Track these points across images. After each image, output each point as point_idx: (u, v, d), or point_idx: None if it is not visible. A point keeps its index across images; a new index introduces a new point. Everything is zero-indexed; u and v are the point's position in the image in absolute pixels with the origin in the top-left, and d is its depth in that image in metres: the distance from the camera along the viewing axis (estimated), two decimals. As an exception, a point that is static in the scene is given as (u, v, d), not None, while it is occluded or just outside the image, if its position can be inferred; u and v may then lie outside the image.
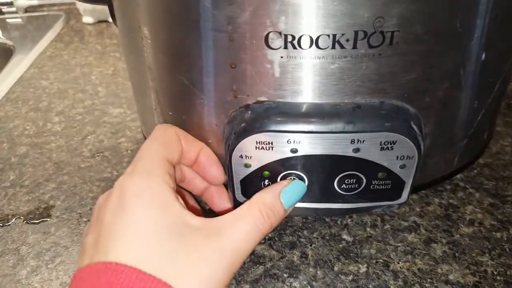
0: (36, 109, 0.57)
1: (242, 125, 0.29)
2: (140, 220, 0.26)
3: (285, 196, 0.30)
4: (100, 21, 0.84)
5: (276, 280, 0.34)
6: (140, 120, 0.43)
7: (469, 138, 0.35)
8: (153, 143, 0.31)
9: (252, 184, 0.32)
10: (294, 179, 0.32)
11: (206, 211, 0.39)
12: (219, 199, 0.36)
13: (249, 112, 0.30)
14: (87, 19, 0.84)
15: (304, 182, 0.32)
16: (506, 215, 0.38)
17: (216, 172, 0.34)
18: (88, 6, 0.82)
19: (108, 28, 0.81)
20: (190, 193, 0.37)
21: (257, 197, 0.29)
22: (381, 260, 0.35)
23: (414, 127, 0.29)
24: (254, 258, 0.36)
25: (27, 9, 0.92)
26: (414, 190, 0.38)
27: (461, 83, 0.30)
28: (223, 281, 0.26)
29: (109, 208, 0.27)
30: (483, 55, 0.30)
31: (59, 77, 0.65)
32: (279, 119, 0.29)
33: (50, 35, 0.79)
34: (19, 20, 0.87)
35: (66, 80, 0.64)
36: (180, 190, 0.36)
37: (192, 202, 0.37)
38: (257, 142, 0.29)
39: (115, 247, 0.25)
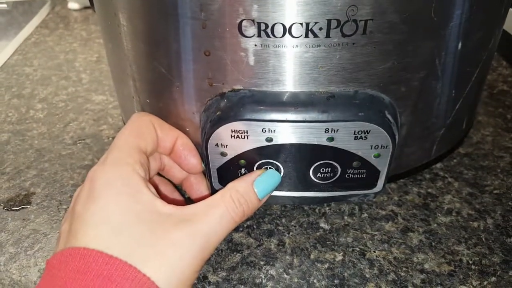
0: (19, 96, 0.57)
1: (217, 113, 0.29)
2: (109, 208, 0.26)
3: (259, 185, 0.30)
4: (86, 7, 0.82)
5: (253, 268, 0.34)
6: (121, 108, 0.43)
7: (447, 128, 0.35)
8: (126, 132, 0.31)
9: (229, 172, 0.32)
10: (269, 168, 0.32)
11: (187, 201, 0.39)
12: (198, 188, 0.36)
13: (225, 100, 0.30)
14: (73, 5, 0.83)
15: (280, 171, 0.32)
16: (484, 205, 0.39)
17: (193, 161, 0.34)
18: (74, -9, 0.81)
19: (93, 14, 0.80)
20: (174, 184, 0.37)
21: (231, 185, 0.30)
22: (357, 249, 0.35)
23: (389, 116, 0.29)
24: (231, 246, 0.36)
25: (13, -6, 0.91)
26: (391, 179, 0.39)
27: (437, 72, 0.30)
28: (193, 266, 0.26)
29: (81, 197, 0.28)
30: (460, 44, 0.30)
31: (43, 64, 0.64)
32: (254, 108, 0.29)
33: (35, 21, 0.78)
34: (5, 5, 0.86)
35: (50, 66, 0.63)
36: (154, 181, 0.35)
37: (174, 192, 0.37)
38: (232, 131, 0.29)
39: (85, 234, 0.25)
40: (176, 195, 0.37)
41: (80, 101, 0.55)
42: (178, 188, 0.38)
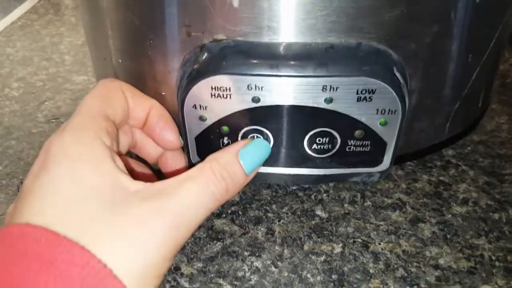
0: (-5, 75, 0.52)
1: (195, 67, 0.25)
2: (62, 178, 0.21)
3: (245, 157, 0.25)
4: (79, -5, 0.79)
5: (235, 259, 0.29)
6: (95, 77, 0.38)
7: (462, 102, 0.31)
8: (90, 97, 0.26)
9: (209, 141, 0.28)
10: (256, 137, 0.27)
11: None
12: (174, 164, 0.31)
13: (205, 53, 0.25)
14: (66, -8, 0.79)
15: (269, 141, 0.27)
16: (505, 195, 0.34)
17: (170, 134, 0.28)
18: (67, -22, 0.77)
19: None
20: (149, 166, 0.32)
21: (211, 156, 0.24)
22: (359, 240, 0.30)
23: (397, 74, 0.25)
24: (211, 233, 0.31)
25: (5, -17, 0.88)
26: (398, 160, 0.34)
27: (452, 28, 0.26)
28: (163, 251, 0.21)
29: (32, 170, 0.23)
30: (480, -5, 0.26)
31: (26, 46, 0.60)
32: (238, 60, 0.24)
33: (25, 7, 0.74)
34: (-4, -7, 0.83)
35: (33, 48, 0.59)
36: (126, 160, 0.30)
37: (147, 173, 0.31)
38: (212, 88, 0.25)
39: (30, 208, 0.21)
40: (149, 175, 0.31)
41: (59, 81, 0.51)
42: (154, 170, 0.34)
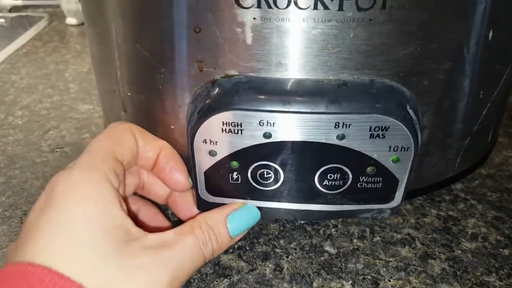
0: (0, 102, 0.52)
1: (207, 102, 0.25)
2: (71, 215, 0.21)
3: (233, 221, 0.26)
4: (84, 23, 0.80)
5: (243, 296, 0.28)
6: (102, 109, 0.38)
7: (473, 137, 0.31)
8: (101, 137, 0.26)
9: (218, 177, 0.27)
10: (267, 173, 0.27)
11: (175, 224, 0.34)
12: (184, 205, 0.30)
13: (216, 88, 0.25)
14: (71, 20, 0.80)
15: (280, 176, 0.27)
16: (514, 231, 0.33)
17: (179, 176, 0.28)
18: (72, 7, 0.78)
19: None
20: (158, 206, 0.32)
21: (201, 215, 0.26)
22: (369, 277, 0.30)
23: (410, 111, 0.24)
24: (218, 269, 0.30)
25: (11, 9, 0.89)
26: (408, 196, 0.33)
27: (464, 65, 0.26)
28: None
29: (36, 205, 0.23)
30: (490, 34, 0.26)
31: (30, 73, 0.60)
32: (250, 95, 0.24)
33: (30, 34, 0.75)
34: (2, 20, 0.84)
35: (38, 75, 0.59)
36: (134, 204, 0.30)
37: (157, 215, 0.31)
38: (223, 123, 0.25)
39: (34, 245, 0.20)
40: (160, 218, 0.31)
41: (64, 109, 0.51)
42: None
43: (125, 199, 0.27)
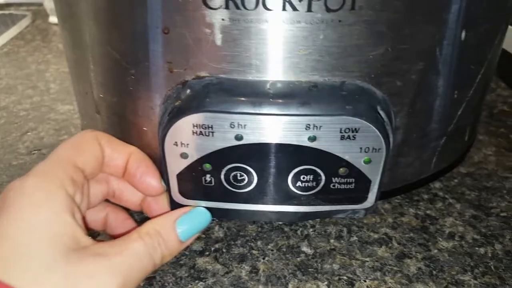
0: (-22, 104, 0.52)
1: (177, 103, 0.24)
2: (17, 223, 0.21)
3: (182, 225, 0.26)
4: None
5: (218, 299, 0.28)
6: (79, 111, 0.38)
7: (449, 137, 0.31)
8: (63, 146, 0.26)
9: (191, 179, 0.27)
10: (240, 175, 0.27)
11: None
12: (160, 210, 0.29)
13: (187, 89, 0.25)
14: (54, 19, 0.79)
15: (253, 178, 0.26)
16: (491, 229, 0.34)
17: (151, 180, 0.27)
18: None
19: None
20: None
21: (149, 221, 0.25)
22: (344, 277, 0.30)
23: (381, 112, 0.24)
24: (193, 272, 0.30)
25: (-8, 8, 0.87)
26: (385, 196, 0.33)
27: (437, 65, 0.26)
28: None
29: None
30: (463, 34, 0.26)
31: (11, 73, 0.59)
32: (220, 97, 0.24)
33: (12, 32, 0.74)
34: (-17, 19, 0.82)
35: (18, 76, 0.59)
36: (104, 211, 0.29)
37: (126, 220, 0.30)
38: (194, 126, 0.24)
39: None
40: (130, 223, 0.30)
41: (43, 110, 0.50)
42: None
43: (91, 207, 0.27)
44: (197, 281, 0.29)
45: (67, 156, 0.24)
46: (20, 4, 0.89)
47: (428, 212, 0.35)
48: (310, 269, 0.30)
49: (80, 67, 0.30)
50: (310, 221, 0.34)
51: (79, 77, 0.32)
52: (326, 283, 0.29)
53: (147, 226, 0.25)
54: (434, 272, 0.30)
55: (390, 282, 0.29)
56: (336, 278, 0.30)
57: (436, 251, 0.32)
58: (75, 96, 0.35)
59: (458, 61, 0.27)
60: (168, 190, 0.28)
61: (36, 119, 0.48)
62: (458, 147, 0.34)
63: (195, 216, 0.26)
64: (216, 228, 0.33)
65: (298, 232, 0.33)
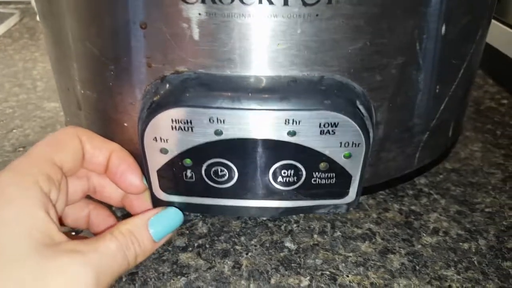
0: (-37, 102, 0.51)
1: (155, 98, 0.24)
2: None
3: (155, 224, 0.26)
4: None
5: (200, 294, 0.28)
6: (62, 108, 0.37)
7: (432, 132, 0.31)
8: (41, 142, 0.26)
9: (172, 175, 0.27)
10: (221, 171, 0.26)
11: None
12: (143, 207, 0.29)
13: (165, 84, 0.25)
14: (43, 16, 0.78)
15: (234, 173, 0.26)
16: (475, 224, 0.34)
17: (132, 178, 0.27)
18: (44, 2, 0.77)
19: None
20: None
21: (121, 222, 0.25)
22: (327, 272, 0.30)
23: (360, 107, 0.24)
24: (176, 268, 0.30)
25: (-19, 6, 0.87)
26: (368, 191, 0.33)
27: (418, 60, 0.26)
28: None
29: None
30: (443, 28, 0.26)
31: (-2, 71, 0.59)
32: (199, 92, 0.24)
33: (0, 31, 0.73)
34: (-28, 17, 0.82)
35: (4, 74, 0.58)
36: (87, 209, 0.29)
37: (108, 218, 0.30)
38: (173, 121, 0.24)
39: None
40: (112, 220, 0.30)
41: (30, 108, 0.50)
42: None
43: (70, 203, 0.27)
44: (179, 277, 0.29)
45: (44, 152, 0.24)
46: (8, 2, 0.88)
47: (412, 207, 0.35)
48: (293, 264, 0.30)
49: (62, 63, 0.30)
50: (294, 216, 0.34)
51: (61, 73, 0.31)
52: (308, 278, 0.29)
53: (120, 226, 0.24)
54: (417, 267, 0.30)
55: (372, 277, 0.29)
56: (319, 273, 0.30)
57: (419, 246, 0.32)
58: (58, 93, 0.35)
59: (439, 55, 0.27)
60: (149, 186, 0.28)
61: (22, 117, 0.48)
62: (442, 142, 0.34)
63: (167, 216, 0.26)
64: (200, 224, 0.33)
65: (282, 227, 0.33)
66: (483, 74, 0.60)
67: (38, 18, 0.79)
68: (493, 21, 0.35)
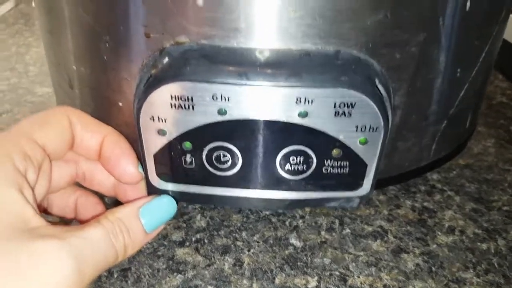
0: (-48, 86, 0.49)
1: (153, 72, 0.22)
2: None
3: (146, 214, 0.23)
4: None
5: (197, 293, 0.26)
6: (53, 87, 0.35)
7: (450, 121, 0.28)
8: (25, 119, 0.23)
9: (170, 160, 0.24)
10: (223, 156, 0.24)
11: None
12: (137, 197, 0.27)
13: (165, 57, 0.22)
14: (39, 4, 0.76)
15: (238, 159, 0.24)
16: (493, 223, 0.31)
17: (126, 164, 0.24)
18: (41, -11, 0.74)
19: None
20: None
21: (109, 210, 0.22)
22: (336, 273, 0.27)
23: (380, 86, 0.22)
24: (172, 264, 0.27)
25: (-25, -7, 0.84)
26: (380, 184, 0.31)
27: (440, 37, 0.24)
28: None
29: None
30: (468, 3, 0.23)
31: (-11, 56, 0.56)
32: (201, 65, 0.21)
33: (-7, 17, 0.71)
34: (-34, 3, 0.79)
35: (-4, 58, 0.56)
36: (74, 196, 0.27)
37: (96, 205, 0.27)
38: (172, 97, 0.22)
39: None
40: (100, 208, 0.27)
41: (20, 92, 0.47)
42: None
43: (56, 190, 0.25)
44: (175, 274, 0.27)
45: (25, 129, 0.22)
46: (4, -11, 0.86)
47: (425, 204, 0.33)
48: (299, 263, 0.28)
49: (53, 34, 0.28)
50: (299, 211, 0.31)
51: (52, 46, 0.29)
52: (316, 278, 0.27)
53: (108, 214, 0.22)
54: (433, 269, 0.28)
55: (386, 279, 0.27)
56: (328, 273, 0.27)
57: (435, 246, 0.29)
58: (49, 68, 0.33)
59: (462, 34, 0.25)
60: (145, 172, 0.25)
61: (12, 101, 0.45)
62: (459, 134, 0.32)
63: (160, 205, 0.23)
64: (198, 217, 0.31)
65: (287, 223, 0.31)
66: (493, 69, 0.58)
67: (34, 4, 0.77)
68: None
